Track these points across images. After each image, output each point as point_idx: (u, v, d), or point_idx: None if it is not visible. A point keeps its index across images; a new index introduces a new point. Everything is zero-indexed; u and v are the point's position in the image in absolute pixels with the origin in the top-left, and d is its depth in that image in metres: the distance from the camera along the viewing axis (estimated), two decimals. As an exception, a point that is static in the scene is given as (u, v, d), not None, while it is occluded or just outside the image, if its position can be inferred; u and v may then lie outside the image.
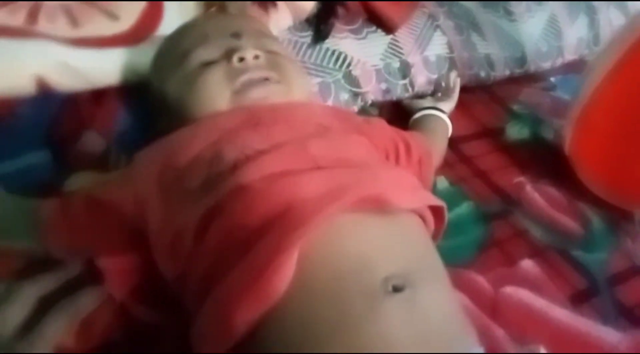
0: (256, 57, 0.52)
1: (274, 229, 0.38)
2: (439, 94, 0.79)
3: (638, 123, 0.65)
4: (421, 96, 0.79)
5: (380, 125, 0.58)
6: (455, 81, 0.80)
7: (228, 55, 0.52)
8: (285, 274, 0.36)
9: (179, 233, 0.41)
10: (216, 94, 0.51)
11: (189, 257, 0.41)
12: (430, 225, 0.47)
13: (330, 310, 0.36)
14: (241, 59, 0.51)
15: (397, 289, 0.36)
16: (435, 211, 0.47)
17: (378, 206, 0.41)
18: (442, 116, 0.72)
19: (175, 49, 0.56)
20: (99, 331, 0.45)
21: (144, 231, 0.45)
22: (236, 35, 0.54)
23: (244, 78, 0.51)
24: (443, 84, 0.79)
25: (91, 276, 0.47)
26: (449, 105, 0.76)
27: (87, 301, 0.46)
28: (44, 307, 0.45)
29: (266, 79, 0.52)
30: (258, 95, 0.51)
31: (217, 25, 0.57)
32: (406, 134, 0.60)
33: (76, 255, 0.48)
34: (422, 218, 0.46)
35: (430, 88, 0.79)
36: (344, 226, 0.39)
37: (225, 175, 0.42)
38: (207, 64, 0.52)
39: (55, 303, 0.45)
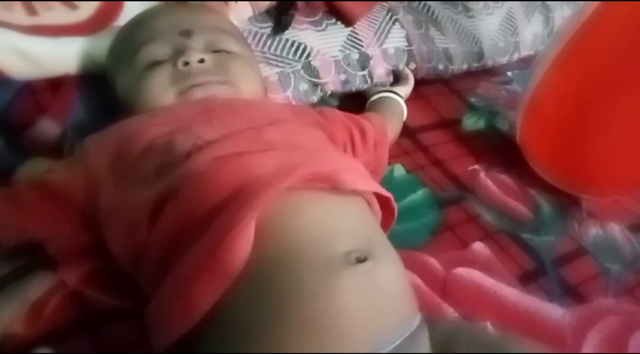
0: (201, 60, 0.53)
1: (228, 207, 0.39)
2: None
3: (583, 111, 0.68)
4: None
5: (333, 115, 0.60)
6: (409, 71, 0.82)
7: (174, 57, 0.53)
8: (241, 247, 0.37)
9: (132, 218, 0.42)
10: (161, 95, 0.52)
11: (144, 242, 0.41)
12: (377, 213, 0.49)
13: (288, 283, 0.36)
14: (186, 63, 0.52)
15: (359, 260, 0.37)
16: (385, 205, 0.49)
17: (330, 184, 0.42)
18: (397, 98, 0.75)
19: (127, 43, 0.56)
20: (49, 316, 0.44)
21: (96, 216, 0.45)
22: (186, 33, 0.55)
23: (188, 83, 0.52)
24: (401, 70, 0.81)
25: (41, 262, 0.46)
26: (405, 89, 0.78)
27: (36, 286, 0.45)
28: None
29: (208, 83, 0.53)
30: (201, 96, 0.52)
31: (169, 20, 0.57)
32: (360, 118, 0.62)
33: (27, 243, 0.46)
34: (369, 204, 0.47)
35: (390, 80, 0.81)
36: (301, 201, 0.41)
37: (178, 162, 0.43)
38: (155, 64, 0.53)
39: (3, 288, 0.45)
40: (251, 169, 0.41)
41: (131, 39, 0.56)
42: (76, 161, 0.48)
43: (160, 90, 0.52)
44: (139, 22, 0.59)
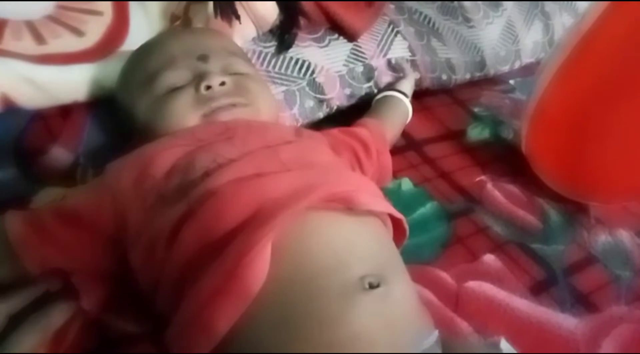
0: (222, 83, 0.54)
1: (245, 229, 0.39)
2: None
3: (588, 118, 0.68)
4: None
5: (335, 134, 0.61)
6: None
7: (196, 82, 0.53)
8: (259, 269, 0.37)
9: (152, 238, 0.42)
10: (185, 119, 0.52)
11: (162, 262, 0.42)
12: (390, 232, 0.49)
13: (306, 307, 0.37)
14: (208, 87, 0.53)
15: (372, 286, 0.38)
16: (397, 224, 0.50)
17: (345, 205, 0.43)
18: (401, 96, 0.75)
19: (142, 69, 0.56)
20: (71, 344, 0.45)
21: (118, 240, 0.45)
22: (203, 57, 0.55)
23: (212, 106, 0.53)
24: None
25: (63, 292, 0.46)
26: (407, 84, 0.79)
27: (57, 315, 0.45)
28: (15, 325, 0.44)
29: (233, 105, 0.54)
30: (226, 118, 0.53)
31: (183, 45, 0.58)
32: (358, 131, 0.62)
33: (51, 272, 0.46)
34: (383, 223, 0.48)
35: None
36: (316, 224, 0.41)
37: (197, 181, 0.43)
38: (175, 89, 0.53)
39: (25, 319, 0.45)
40: (268, 191, 0.42)
41: (146, 65, 0.56)
42: (100, 186, 0.48)
43: (184, 114, 0.52)
44: (150, 49, 0.59)
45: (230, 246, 0.39)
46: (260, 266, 0.37)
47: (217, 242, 0.40)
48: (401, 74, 0.81)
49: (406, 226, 0.50)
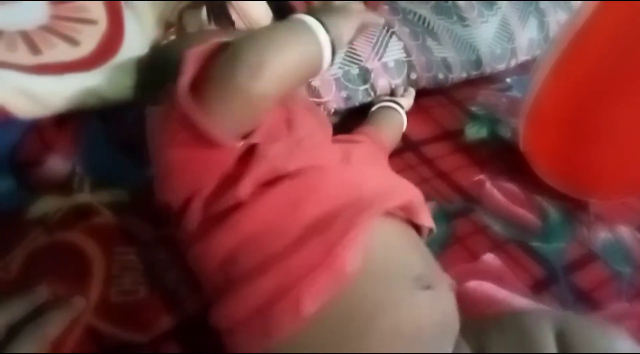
0: None
1: (346, 211, 0.41)
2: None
3: (584, 114, 0.68)
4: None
5: (338, 140, 0.60)
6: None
7: None
8: (357, 251, 0.39)
9: (243, 177, 0.42)
10: None
11: (242, 206, 0.41)
12: None
13: (377, 293, 0.39)
14: None
15: (424, 287, 0.40)
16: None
17: (406, 214, 0.47)
18: (397, 109, 0.76)
19: None
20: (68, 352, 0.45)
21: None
22: None
23: None
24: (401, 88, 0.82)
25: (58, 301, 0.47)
26: (406, 100, 0.79)
27: (55, 325, 0.45)
28: (13, 335, 0.44)
29: None
30: None
31: None
32: (362, 138, 0.62)
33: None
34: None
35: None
36: (379, 227, 0.43)
37: (301, 148, 0.45)
38: None
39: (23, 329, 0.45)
40: (367, 183, 0.46)
41: None
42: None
43: None
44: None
45: (330, 224, 0.40)
46: (358, 248, 0.39)
47: (312, 215, 0.41)
48: (397, 79, 0.81)
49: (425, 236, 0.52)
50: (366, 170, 0.49)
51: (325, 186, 0.43)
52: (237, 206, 0.42)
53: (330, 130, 0.57)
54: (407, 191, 0.48)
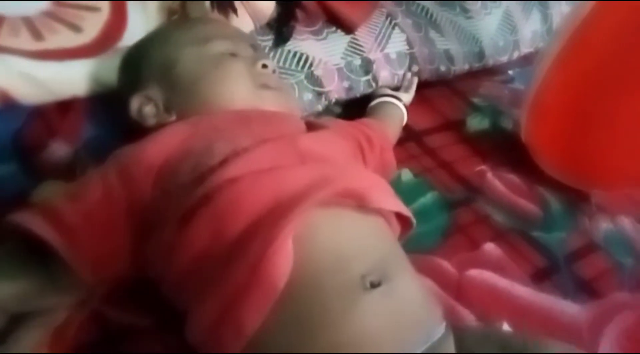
0: (274, 71, 0.57)
1: (264, 223, 0.39)
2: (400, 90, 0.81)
3: (587, 106, 0.68)
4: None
5: (341, 126, 0.60)
6: (412, 78, 0.82)
7: (252, 59, 0.55)
8: (282, 262, 0.37)
9: (162, 221, 0.42)
10: (240, 81, 0.53)
11: (171, 247, 0.41)
12: (395, 230, 0.49)
13: (311, 307, 0.37)
14: (265, 66, 0.55)
15: (373, 285, 0.38)
16: (401, 218, 0.49)
17: (356, 202, 0.43)
18: (398, 103, 0.75)
19: (194, 32, 0.57)
20: (72, 338, 0.45)
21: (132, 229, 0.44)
22: (253, 46, 0.58)
23: (264, 80, 0.54)
24: (403, 76, 0.83)
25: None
26: (407, 95, 0.79)
27: (59, 310, 0.45)
28: (16, 321, 0.44)
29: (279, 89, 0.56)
30: (272, 98, 0.54)
31: (236, 30, 0.62)
32: (364, 126, 0.62)
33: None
34: (388, 222, 0.48)
35: (393, 85, 0.82)
36: (321, 221, 0.41)
37: (214, 168, 0.43)
38: (232, 55, 0.55)
39: (27, 316, 0.45)
40: (285, 184, 0.42)
41: (199, 30, 0.57)
42: (108, 175, 0.45)
43: (240, 76, 0.53)
44: (203, 20, 0.63)
45: (251, 240, 0.38)
46: (284, 259, 0.37)
47: (236, 234, 0.39)
48: (399, 70, 0.81)
49: (413, 224, 0.50)
50: (293, 167, 0.45)
51: (243, 199, 0.41)
52: (168, 247, 0.42)
53: (288, 127, 0.53)
54: (349, 179, 0.45)
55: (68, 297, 0.45)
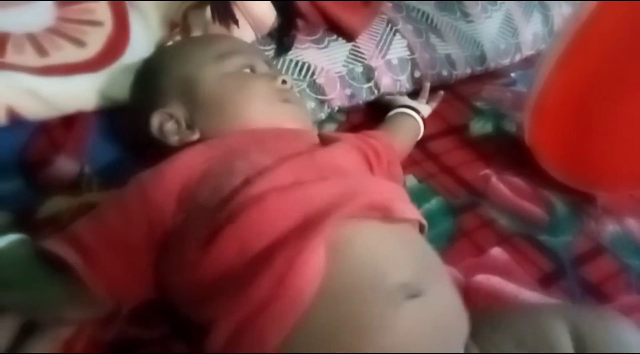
0: (291, 86, 0.58)
1: (293, 237, 0.39)
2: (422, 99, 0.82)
3: (590, 107, 0.68)
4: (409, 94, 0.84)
5: (350, 139, 0.59)
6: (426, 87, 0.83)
7: (272, 76, 0.56)
8: (310, 273, 0.37)
9: (185, 241, 0.42)
10: (265, 99, 0.54)
11: (194, 266, 0.41)
12: None
13: (351, 316, 0.37)
14: (284, 82, 0.56)
15: (413, 294, 0.38)
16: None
17: (382, 213, 0.43)
18: (414, 115, 0.75)
19: (211, 48, 0.57)
20: (81, 350, 0.45)
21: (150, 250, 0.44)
22: (268, 63, 0.60)
23: (288, 95, 0.56)
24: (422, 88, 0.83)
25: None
26: (426, 107, 0.79)
27: (67, 325, 0.46)
28: (26, 333, 0.45)
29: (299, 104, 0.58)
30: (293, 113, 0.56)
31: (251, 46, 0.64)
32: (371, 139, 0.62)
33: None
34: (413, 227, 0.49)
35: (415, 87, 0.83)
36: (357, 232, 0.41)
37: (238, 188, 0.43)
38: (251, 70, 0.56)
39: (37, 328, 0.45)
40: (311, 200, 0.42)
41: (215, 46, 0.58)
42: (132, 198, 0.45)
43: (265, 90, 0.55)
44: (218, 37, 0.64)
45: (279, 253, 0.38)
46: (311, 270, 0.37)
47: (263, 248, 0.39)
48: (400, 76, 0.82)
49: (426, 227, 0.50)
50: (317, 182, 0.44)
51: (270, 216, 0.41)
52: (191, 265, 0.42)
53: (302, 143, 0.53)
54: (372, 191, 0.45)
55: (88, 314, 0.45)
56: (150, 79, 0.58)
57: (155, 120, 0.53)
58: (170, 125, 0.53)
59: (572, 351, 0.39)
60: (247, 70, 0.56)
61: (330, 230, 0.39)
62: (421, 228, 0.50)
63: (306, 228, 0.39)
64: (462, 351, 0.40)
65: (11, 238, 0.44)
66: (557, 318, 0.41)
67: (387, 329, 0.37)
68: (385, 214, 0.43)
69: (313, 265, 0.38)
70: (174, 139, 0.53)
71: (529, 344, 0.41)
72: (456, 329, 0.41)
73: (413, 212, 0.47)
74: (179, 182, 0.45)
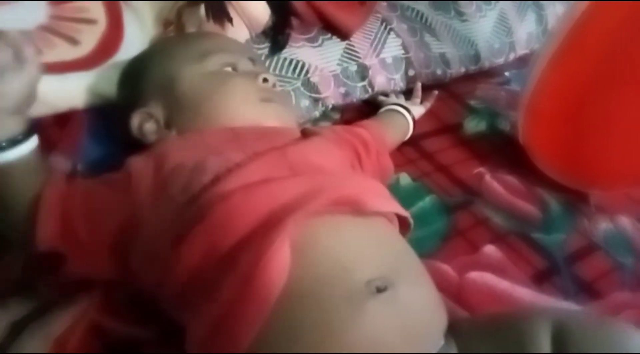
0: (274, 84, 0.57)
1: (257, 235, 0.39)
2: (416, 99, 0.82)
3: (584, 106, 0.68)
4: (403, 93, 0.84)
5: (336, 132, 0.60)
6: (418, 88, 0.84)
7: (253, 74, 0.56)
8: (276, 272, 0.37)
9: (156, 238, 0.42)
10: (244, 98, 0.54)
11: (166, 263, 0.42)
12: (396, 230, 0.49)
13: (317, 315, 0.37)
14: (266, 80, 0.55)
15: (379, 290, 0.38)
16: (401, 221, 0.50)
17: (353, 208, 0.43)
18: (404, 113, 0.75)
19: (191, 46, 0.57)
20: (72, 350, 0.45)
21: (123, 242, 0.45)
22: (252, 59, 0.59)
23: (270, 94, 0.55)
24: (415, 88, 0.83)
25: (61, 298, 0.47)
26: (418, 108, 0.80)
27: (57, 323, 0.46)
28: (16, 332, 0.45)
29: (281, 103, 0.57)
30: (274, 112, 0.55)
31: (235, 43, 0.63)
32: (361, 130, 0.62)
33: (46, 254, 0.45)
34: (390, 221, 0.48)
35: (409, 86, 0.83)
36: (323, 229, 0.41)
37: (207, 186, 0.43)
38: (233, 68, 0.55)
39: (27, 327, 0.45)
40: (277, 196, 0.42)
41: (196, 44, 0.57)
42: (119, 182, 0.47)
43: (246, 89, 0.54)
44: (200, 35, 0.64)
45: (244, 253, 0.38)
46: (276, 269, 0.37)
47: (229, 248, 0.39)
48: (395, 75, 0.82)
49: (411, 223, 0.50)
50: (285, 179, 0.45)
51: (236, 214, 0.41)
52: (164, 266, 0.42)
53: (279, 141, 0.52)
54: (342, 186, 0.45)
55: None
56: (132, 78, 0.59)
57: (135, 120, 0.53)
58: (149, 125, 0.53)
59: (549, 352, 0.38)
60: (229, 69, 0.55)
61: (295, 228, 0.39)
62: (407, 224, 0.50)
63: (270, 226, 0.39)
64: (437, 346, 0.39)
65: None
66: (540, 319, 0.41)
67: (352, 327, 0.36)
68: (355, 208, 0.43)
69: (277, 264, 0.37)
70: (152, 138, 0.53)
71: (510, 346, 0.40)
72: (429, 323, 0.40)
73: (389, 205, 0.47)
74: (155, 171, 0.46)
